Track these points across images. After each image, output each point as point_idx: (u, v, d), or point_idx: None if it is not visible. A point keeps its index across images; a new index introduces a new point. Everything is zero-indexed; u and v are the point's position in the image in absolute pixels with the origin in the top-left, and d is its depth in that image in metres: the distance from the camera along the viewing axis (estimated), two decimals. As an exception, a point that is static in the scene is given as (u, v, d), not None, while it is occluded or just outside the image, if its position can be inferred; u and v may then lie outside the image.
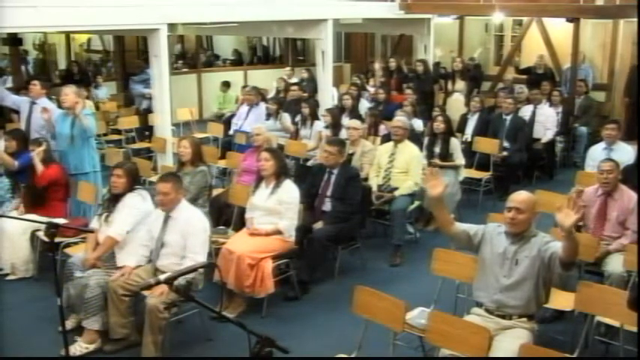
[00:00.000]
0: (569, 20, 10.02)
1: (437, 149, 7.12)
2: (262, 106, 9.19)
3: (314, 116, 8.43)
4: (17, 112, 7.66)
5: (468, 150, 7.98)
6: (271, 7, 8.98)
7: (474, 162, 7.92)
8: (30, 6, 6.45)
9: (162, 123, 8.38)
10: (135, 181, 4.93)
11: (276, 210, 5.24)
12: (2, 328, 4.80)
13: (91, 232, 4.88)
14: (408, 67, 11.65)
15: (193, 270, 2.99)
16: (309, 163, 7.66)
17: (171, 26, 8.56)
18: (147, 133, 10.00)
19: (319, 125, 8.25)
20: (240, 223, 5.69)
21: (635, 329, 3.67)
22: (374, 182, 6.49)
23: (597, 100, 10.58)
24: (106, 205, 4.91)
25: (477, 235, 3.94)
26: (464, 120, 8.72)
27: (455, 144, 7.13)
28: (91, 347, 4.55)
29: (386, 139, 7.17)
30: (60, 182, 5.96)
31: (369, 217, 6.39)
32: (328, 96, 9.91)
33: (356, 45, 15.16)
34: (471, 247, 3.99)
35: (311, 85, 11.10)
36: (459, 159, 7.09)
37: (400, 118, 6.88)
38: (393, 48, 14.19)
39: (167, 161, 8.16)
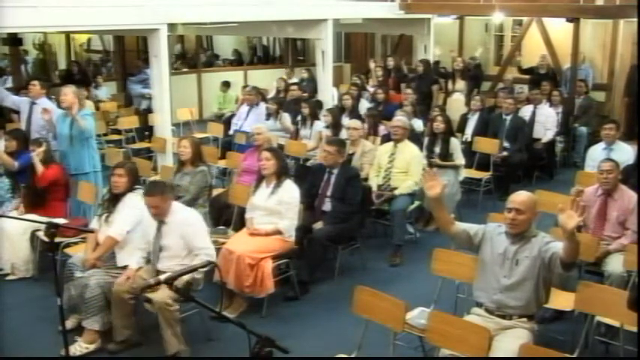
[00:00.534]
0: (569, 20, 10.02)
1: (437, 149, 7.12)
2: (262, 106, 9.19)
3: (314, 116, 8.43)
4: (17, 112, 7.67)
5: (468, 150, 7.98)
6: (271, 7, 8.98)
7: (474, 162, 7.92)
8: (30, 6, 6.45)
9: (162, 123, 8.38)
10: (135, 180, 4.93)
11: (276, 210, 5.24)
12: (2, 328, 4.79)
13: (91, 232, 4.88)
14: (408, 67, 11.65)
15: (193, 270, 2.99)
16: (309, 163, 7.66)
17: (171, 26, 8.57)
18: (146, 133, 10.00)
19: (319, 125, 8.24)
20: (240, 223, 5.69)
21: (635, 329, 3.67)
22: (374, 182, 6.49)
23: (597, 100, 10.58)
24: (106, 206, 4.91)
25: (477, 235, 3.94)
26: (464, 120, 8.72)
27: (455, 144, 7.13)
28: (91, 347, 4.55)
29: (386, 139, 7.17)
30: (60, 182, 5.96)
31: (369, 217, 6.39)
32: (328, 96, 9.91)
33: (356, 45, 15.16)
34: (471, 247, 3.99)
35: (311, 85, 11.11)
36: (459, 159, 7.09)
37: (400, 118, 6.88)
38: (393, 48, 14.18)
39: (167, 161, 8.16)
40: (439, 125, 7.11)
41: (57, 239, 3.90)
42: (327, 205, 5.80)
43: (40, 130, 6.67)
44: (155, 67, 8.07)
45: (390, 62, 11.38)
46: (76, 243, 5.46)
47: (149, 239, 4.59)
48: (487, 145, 7.98)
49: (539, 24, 11.90)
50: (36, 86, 6.90)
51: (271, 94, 10.96)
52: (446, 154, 7.03)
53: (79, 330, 4.65)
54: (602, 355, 4.43)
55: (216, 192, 6.44)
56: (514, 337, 3.64)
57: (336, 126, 7.90)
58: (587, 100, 9.85)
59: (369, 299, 3.95)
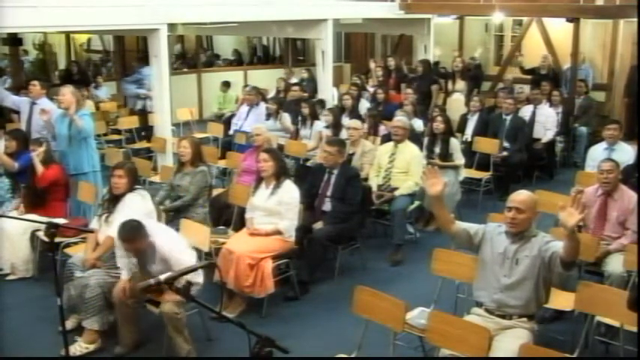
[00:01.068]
0: (569, 20, 10.02)
1: (437, 149, 7.12)
2: (262, 106, 9.19)
3: (314, 116, 8.43)
4: (17, 112, 7.67)
5: (468, 150, 7.98)
6: (271, 7, 8.98)
7: (474, 162, 7.92)
8: (30, 6, 6.46)
9: (162, 123, 8.38)
10: (135, 181, 4.93)
11: (276, 210, 5.24)
12: (2, 328, 4.79)
13: (91, 232, 4.88)
14: (408, 67, 11.65)
15: (193, 270, 2.99)
16: (309, 163, 7.66)
17: (171, 26, 8.57)
18: (143, 133, 10.01)
19: (319, 125, 8.25)
20: (240, 223, 5.69)
21: (635, 329, 3.67)
22: (374, 182, 6.49)
23: (597, 100, 10.58)
24: (105, 206, 4.91)
25: (478, 234, 3.94)
26: (464, 120, 8.72)
27: (455, 144, 7.13)
28: (91, 347, 4.55)
29: (386, 139, 7.17)
30: (60, 182, 5.96)
31: (369, 217, 6.39)
32: (328, 96, 9.91)
33: (356, 45, 15.16)
34: (472, 247, 3.99)
35: (311, 85, 11.11)
36: (459, 159, 7.09)
37: (400, 118, 6.88)
38: (393, 48, 14.18)
39: (167, 161, 8.16)
40: (439, 125, 7.11)
41: (57, 239, 3.91)
42: (327, 205, 5.80)
43: (41, 130, 6.67)
44: (155, 67, 8.07)
45: (391, 62, 11.39)
46: (76, 243, 5.46)
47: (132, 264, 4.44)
48: (487, 145, 7.98)
49: (539, 24, 11.89)
50: (36, 86, 6.90)
51: (271, 94, 10.97)
52: (446, 154, 7.03)
53: (79, 330, 4.65)
54: (602, 355, 4.43)
55: (216, 192, 6.44)
56: (514, 337, 3.64)
57: (336, 126, 7.90)
58: (587, 100, 9.85)
59: (369, 299, 3.95)
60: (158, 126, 8.54)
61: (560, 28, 11.20)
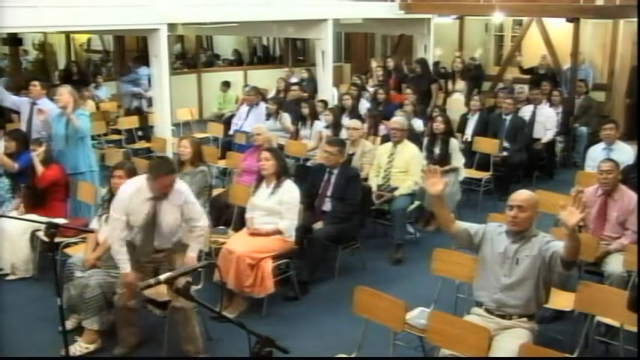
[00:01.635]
0: (569, 20, 10.02)
1: (436, 149, 7.12)
2: (262, 106, 9.19)
3: (314, 116, 8.43)
4: (17, 112, 7.66)
5: (468, 150, 7.98)
6: (271, 7, 8.98)
7: (474, 162, 7.92)
8: (30, 6, 6.46)
9: (162, 123, 8.38)
10: (134, 181, 4.93)
11: (276, 210, 5.24)
12: (2, 328, 4.79)
13: (91, 232, 4.88)
14: (408, 67, 11.65)
15: (193, 270, 2.99)
16: (309, 163, 7.66)
17: (171, 26, 8.56)
18: (140, 133, 10.01)
19: (319, 125, 8.25)
20: (240, 223, 5.69)
21: (635, 329, 3.67)
22: (374, 182, 6.50)
23: (597, 100, 10.58)
24: (105, 206, 4.91)
25: (478, 234, 3.95)
26: (464, 120, 8.72)
27: (454, 144, 7.12)
28: (91, 347, 4.55)
29: (386, 139, 7.17)
30: (60, 182, 5.96)
31: (369, 217, 6.39)
32: (328, 96, 9.91)
33: (356, 45, 15.15)
34: (472, 247, 3.99)
35: (311, 85, 11.10)
36: (457, 160, 7.05)
37: (397, 119, 6.86)
38: (393, 48, 14.18)
39: (167, 161, 8.14)
40: (439, 125, 7.11)
41: (57, 239, 3.90)
42: (327, 205, 5.80)
43: (41, 130, 6.67)
44: (155, 67, 8.07)
45: (390, 63, 11.40)
46: (76, 243, 5.46)
47: (137, 224, 4.37)
48: (487, 145, 7.98)
49: (539, 24, 11.89)
50: (37, 87, 6.89)
51: (271, 94, 10.97)
52: (445, 155, 7.03)
53: (79, 330, 4.65)
54: (602, 355, 4.43)
55: (216, 192, 6.44)
56: (514, 337, 3.64)
57: (336, 126, 7.90)
58: (587, 100, 9.85)
59: (369, 299, 3.95)
60: (158, 126, 8.54)
61: (560, 28, 11.20)
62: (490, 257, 3.87)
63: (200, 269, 4.62)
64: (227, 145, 8.81)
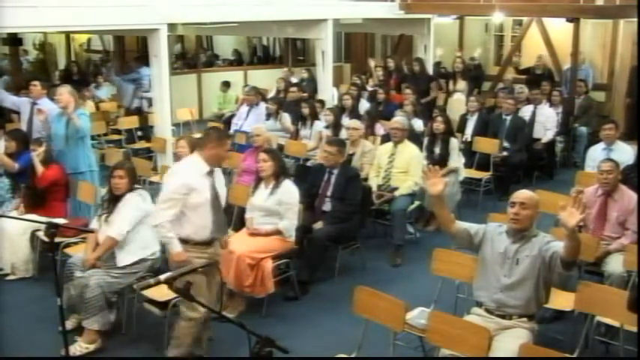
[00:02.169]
0: (569, 20, 10.01)
1: (436, 149, 7.11)
2: (262, 106, 9.19)
3: (314, 116, 8.43)
4: (17, 112, 7.66)
5: (468, 150, 7.98)
6: (271, 7, 8.98)
7: (474, 162, 7.92)
8: (30, 6, 6.46)
9: (162, 123, 8.38)
10: (134, 180, 4.93)
11: (275, 210, 5.24)
12: (2, 328, 4.79)
13: (91, 232, 4.87)
14: (408, 67, 11.66)
15: (193, 270, 2.99)
16: (309, 163, 7.66)
17: (171, 26, 8.56)
18: (140, 133, 10.01)
19: (319, 125, 8.25)
20: (240, 223, 5.69)
21: (635, 329, 3.67)
22: (374, 182, 6.49)
23: (597, 100, 10.58)
24: (105, 206, 4.91)
25: (478, 234, 3.95)
26: (464, 120, 8.72)
27: (454, 144, 7.10)
28: (91, 347, 4.55)
29: (386, 138, 7.17)
30: (60, 182, 5.96)
31: (369, 217, 6.39)
32: (328, 96, 9.91)
33: (356, 45, 15.15)
34: (472, 247, 4.00)
35: (311, 85, 11.11)
36: (454, 161, 7.02)
37: (398, 119, 6.86)
38: (393, 48, 14.18)
39: (167, 161, 8.15)
40: (439, 125, 7.10)
41: (57, 239, 3.90)
42: (327, 205, 5.80)
43: (41, 130, 6.67)
44: (155, 67, 8.07)
45: (391, 63, 11.39)
46: (76, 243, 5.46)
47: (200, 201, 4.19)
48: (487, 145, 7.98)
49: (539, 24, 11.89)
50: (37, 87, 6.89)
51: (271, 94, 10.96)
52: (445, 155, 7.02)
53: (79, 330, 4.65)
54: (602, 355, 4.43)
55: (216, 192, 6.42)
56: (514, 337, 3.64)
57: (336, 126, 7.90)
58: (587, 100, 9.85)
59: (369, 299, 3.95)
60: (158, 126, 8.54)
61: (560, 28, 11.20)
62: (490, 257, 3.87)
63: (200, 269, 4.62)
64: (227, 145, 8.79)
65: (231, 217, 5.97)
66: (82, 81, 11.43)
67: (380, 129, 8.28)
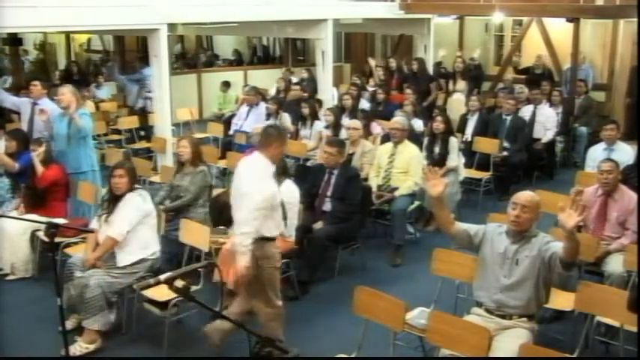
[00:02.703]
0: (569, 20, 10.01)
1: (436, 149, 7.11)
2: (262, 106, 9.19)
3: (314, 116, 8.43)
4: (17, 112, 7.66)
5: (468, 150, 7.98)
6: (271, 7, 8.98)
7: (474, 162, 7.92)
8: (30, 6, 6.46)
9: (162, 123, 8.38)
10: (134, 180, 4.93)
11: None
12: (2, 328, 4.79)
13: (91, 232, 4.87)
14: (409, 67, 11.66)
15: (193, 270, 2.99)
16: (309, 163, 7.66)
17: (171, 26, 8.56)
18: (142, 133, 10.01)
19: (319, 125, 8.25)
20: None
21: (635, 329, 3.67)
22: (374, 182, 6.49)
23: (597, 100, 10.58)
24: (105, 206, 4.91)
25: (478, 234, 3.95)
26: (464, 120, 8.72)
27: (453, 144, 7.10)
28: (91, 347, 4.55)
29: (386, 138, 7.17)
30: (60, 182, 5.96)
31: (369, 217, 6.39)
32: (328, 96, 9.91)
33: (356, 45, 15.15)
34: (472, 247, 4.00)
35: (311, 85, 11.10)
36: (453, 160, 7.01)
37: (398, 119, 6.86)
38: (393, 48, 14.18)
39: (167, 161, 8.16)
40: (439, 125, 7.10)
41: (57, 239, 3.91)
42: (327, 205, 5.80)
43: (43, 130, 6.67)
44: (155, 67, 8.07)
45: (392, 63, 11.38)
46: (76, 243, 5.46)
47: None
48: (487, 145, 7.97)
49: (539, 24, 11.89)
50: (37, 87, 6.88)
51: (271, 94, 10.96)
52: (445, 155, 7.02)
53: (79, 330, 4.65)
54: (602, 355, 4.43)
55: (216, 192, 6.43)
56: (514, 337, 3.64)
57: (336, 126, 7.90)
58: (587, 100, 9.85)
59: (369, 299, 3.95)
60: (158, 126, 8.54)
61: (560, 28, 11.20)
62: (490, 257, 3.87)
63: (200, 269, 4.63)
64: (227, 145, 8.81)
65: (231, 217, 5.97)
66: (82, 81, 11.42)
67: (376, 128, 8.28)
